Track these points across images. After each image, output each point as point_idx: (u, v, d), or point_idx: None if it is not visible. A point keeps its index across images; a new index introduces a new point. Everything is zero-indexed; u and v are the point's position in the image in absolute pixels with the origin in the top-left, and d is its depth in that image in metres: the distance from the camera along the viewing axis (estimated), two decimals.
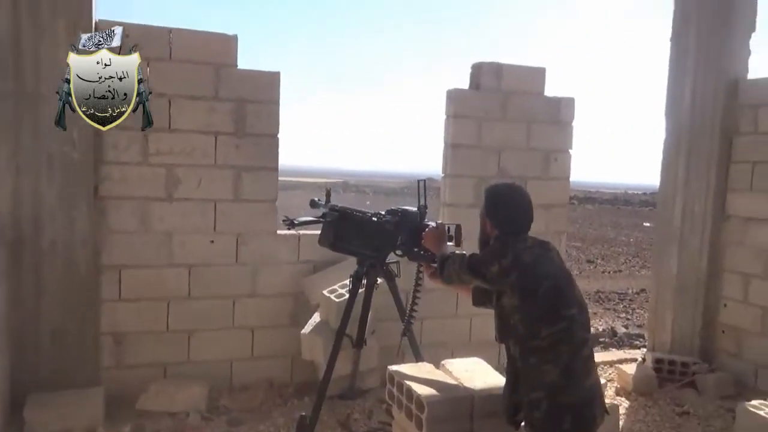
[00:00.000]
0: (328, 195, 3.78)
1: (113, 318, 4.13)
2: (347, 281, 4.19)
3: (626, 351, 5.92)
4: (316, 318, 4.17)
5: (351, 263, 4.44)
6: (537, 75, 5.02)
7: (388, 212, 3.38)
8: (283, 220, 3.35)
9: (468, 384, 2.67)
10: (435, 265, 2.85)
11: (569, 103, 5.11)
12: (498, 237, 2.54)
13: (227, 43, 4.24)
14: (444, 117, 4.94)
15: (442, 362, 2.95)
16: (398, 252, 3.40)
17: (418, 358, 3.59)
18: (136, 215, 4.12)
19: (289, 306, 4.51)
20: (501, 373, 2.83)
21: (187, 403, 4.01)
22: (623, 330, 8.23)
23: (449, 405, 2.52)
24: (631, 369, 4.81)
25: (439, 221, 3.05)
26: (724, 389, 4.70)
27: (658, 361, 4.98)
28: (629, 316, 9.09)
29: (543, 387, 2.26)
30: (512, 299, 2.36)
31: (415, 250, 3.17)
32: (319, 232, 3.62)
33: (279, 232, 4.46)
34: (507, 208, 2.56)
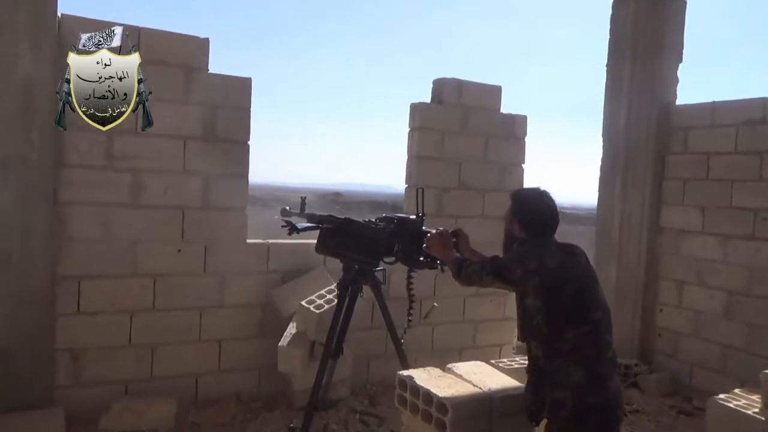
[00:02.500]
0: (303, 202, 3.75)
1: (70, 333, 3.85)
2: (323, 291, 4.18)
3: None
4: (291, 329, 4.09)
5: (319, 273, 4.44)
6: (494, 92, 5.26)
7: (382, 219, 3.41)
8: (283, 226, 3.28)
9: (481, 385, 2.74)
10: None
11: (522, 120, 5.39)
12: (523, 240, 2.63)
13: (199, 46, 4.11)
14: (408, 129, 5.05)
15: (447, 366, 3.00)
16: (388, 259, 3.43)
17: (404, 364, 3.60)
18: (98, 222, 3.88)
19: (257, 317, 4.39)
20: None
21: (155, 421, 3.81)
22: None
23: (471, 406, 2.57)
24: None
25: (441, 228, 3.11)
26: (665, 388, 5.10)
27: None
28: None
29: (568, 387, 2.35)
30: (536, 301, 2.46)
31: (416, 256, 3.21)
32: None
33: (249, 241, 4.36)
34: (535, 211, 2.65)
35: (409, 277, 3.45)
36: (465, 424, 2.54)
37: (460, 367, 2.97)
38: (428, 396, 2.65)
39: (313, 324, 3.95)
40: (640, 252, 5.63)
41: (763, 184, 4.80)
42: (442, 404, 2.55)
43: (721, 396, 3.32)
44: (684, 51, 5.70)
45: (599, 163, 5.96)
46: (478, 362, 3.10)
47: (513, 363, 4.33)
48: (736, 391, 3.42)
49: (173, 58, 4.02)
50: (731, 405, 3.19)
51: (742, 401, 3.24)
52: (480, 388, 2.72)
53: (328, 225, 3.28)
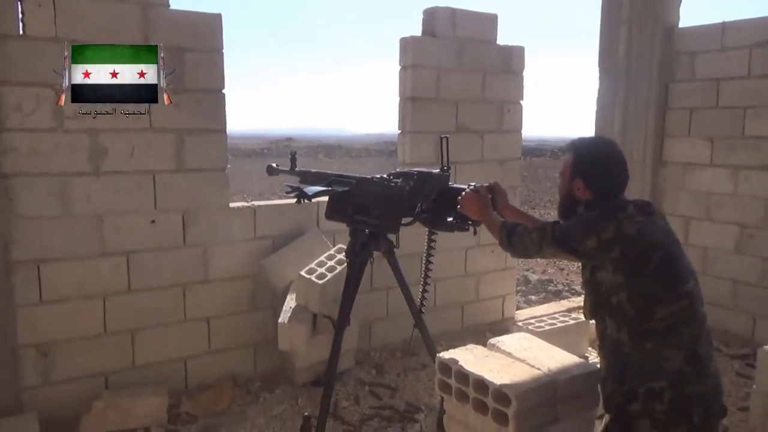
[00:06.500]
0: (293, 158, 3.24)
1: (34, 325, 3.31)
2: (323, 257, 3.73)
3: (570, 300, 6.00)
4: (290, 302, 3.63)
5: (313, 236, 3.98)
6: (490, 22, 4.73)
7: (397, 175, 2.93)
8: (287, 192, 2.78)
9: (539, 365, 2.38)
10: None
11: (520, 52, 4.90)
12: (591, 202, 2.21)
13: None
14: (399, 68, 4.50)
15: (490, 341, 2.63)
16: (406, 221, 2.98)
17: (431, 350, 3.21)
18: (54, 195, 3.28)
19: (247, 289, 3.91)
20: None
21: (145, 417, 3.35)
22: (535, 278, 8.52)
23: (536, 394, 2.21)
24: None
25: (473, 183, 2.67)
26: None
27: None
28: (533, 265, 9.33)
29: (665, 375, 2.00)
30: (615, 276, 2.06)
31: (444, 217, 2.76)
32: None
33: (232, 205, 3.83)
34: (605, 167, 2.22)
35: (431, 240, 3.02)
36: (530, 414, 2.18)
37: (506, 342, 2.60)
38: (481, 384, 2.27)
39: (316, 296, 3.50)
40: (644, 189, 5.34)
41: None
42: (502, 394, 2.18)
43: None
44: None
45: (596, 95, 5.57)
46: (524, 334, 2.74)
47: (543, 324, 4.02)
48: None
49: None
50: None
51: None
52: (538, 368, 2.35)
53: (340, 187, 2.78)
